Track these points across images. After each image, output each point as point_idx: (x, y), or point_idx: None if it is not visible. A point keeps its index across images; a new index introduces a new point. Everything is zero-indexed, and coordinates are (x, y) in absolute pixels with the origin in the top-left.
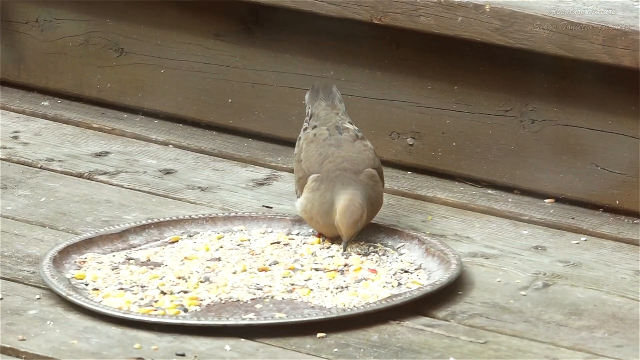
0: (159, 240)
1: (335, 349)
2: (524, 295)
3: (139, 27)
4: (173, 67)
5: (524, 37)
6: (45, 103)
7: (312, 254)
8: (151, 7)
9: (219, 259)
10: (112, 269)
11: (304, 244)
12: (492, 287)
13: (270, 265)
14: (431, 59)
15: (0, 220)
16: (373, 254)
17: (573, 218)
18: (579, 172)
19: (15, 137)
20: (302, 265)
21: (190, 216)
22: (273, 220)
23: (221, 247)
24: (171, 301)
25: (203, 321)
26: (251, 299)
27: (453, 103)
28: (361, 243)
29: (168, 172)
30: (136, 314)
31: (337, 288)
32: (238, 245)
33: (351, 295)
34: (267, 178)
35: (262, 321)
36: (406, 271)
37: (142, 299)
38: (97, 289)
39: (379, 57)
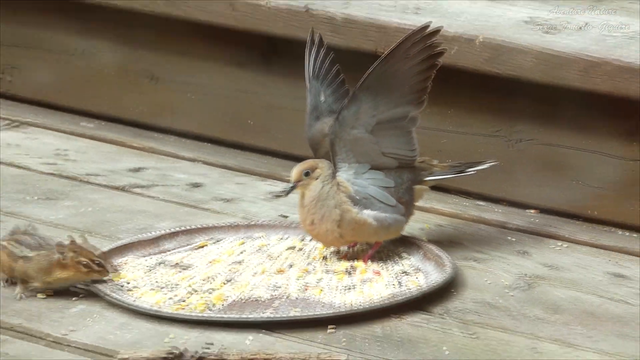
0: (188, 245)
1: (344, 341)
2: (510, 294)
3: (170, 57)
4: (200, 92)
5: (511, 66)
6: (87, 124)
7: (323, 257)
8: (181, 39)
9: (241, 262)
10: (147, 271)
11: (315, 249)
12: (481, 287)
13: (286, 267)
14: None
15: (50, 228)
16: (377, 258)
17: (554, 226)
18: (560, 186)
19: (61, 154)
20: (314, 268)
21: (215, 224)
22: (289, 228)
23: (243, 252)
24: (200, 299)
25: (227, 317)
26: (270, 297)
27: (448, 125)
28: (366, 248)
29: (196, 185)
30: (168, 311)
31: (345, 288)
32: (258, 250)
33: (358, 294)
34: (284, 191)
35: (280, 317)
36: (406, 273)
37: (173, 297)
38: (136, 288)
39: None
